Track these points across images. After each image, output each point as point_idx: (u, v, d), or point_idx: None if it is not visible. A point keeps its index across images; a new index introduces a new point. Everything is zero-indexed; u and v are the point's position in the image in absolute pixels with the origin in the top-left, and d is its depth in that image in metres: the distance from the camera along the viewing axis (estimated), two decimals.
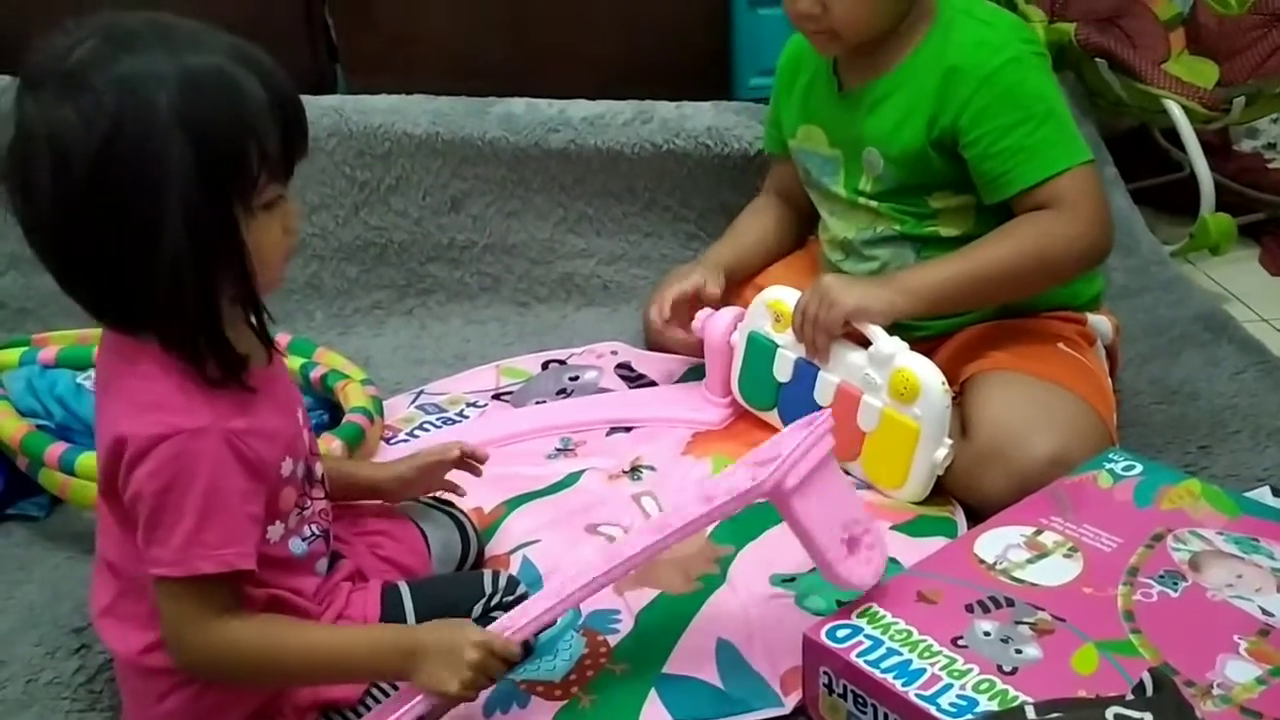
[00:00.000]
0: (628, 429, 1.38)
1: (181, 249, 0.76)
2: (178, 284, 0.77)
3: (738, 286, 1.45)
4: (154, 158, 0.75)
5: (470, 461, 1.09)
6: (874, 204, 1.31)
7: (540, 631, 0.95)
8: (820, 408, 1.23)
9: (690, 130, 1.73)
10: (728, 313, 1.35)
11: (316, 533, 0.93)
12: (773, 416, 1.32)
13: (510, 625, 0.90)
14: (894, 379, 1.17)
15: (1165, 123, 1.98)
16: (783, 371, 1.29)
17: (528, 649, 0.99)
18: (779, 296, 1.29)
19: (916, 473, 1.18)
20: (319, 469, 0.95)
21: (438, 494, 1.12)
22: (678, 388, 1.45)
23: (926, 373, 1.16)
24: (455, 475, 1.10)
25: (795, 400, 1.27)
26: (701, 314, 1.36)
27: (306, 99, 0.85)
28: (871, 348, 1.20)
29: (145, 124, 0.75)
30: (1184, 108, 1.85)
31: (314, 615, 0.91)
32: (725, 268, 1.42)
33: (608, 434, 1.38)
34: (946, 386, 1.16)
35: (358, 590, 0.96)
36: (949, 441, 1.16)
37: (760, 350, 1.31)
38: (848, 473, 1.21)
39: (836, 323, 1.20)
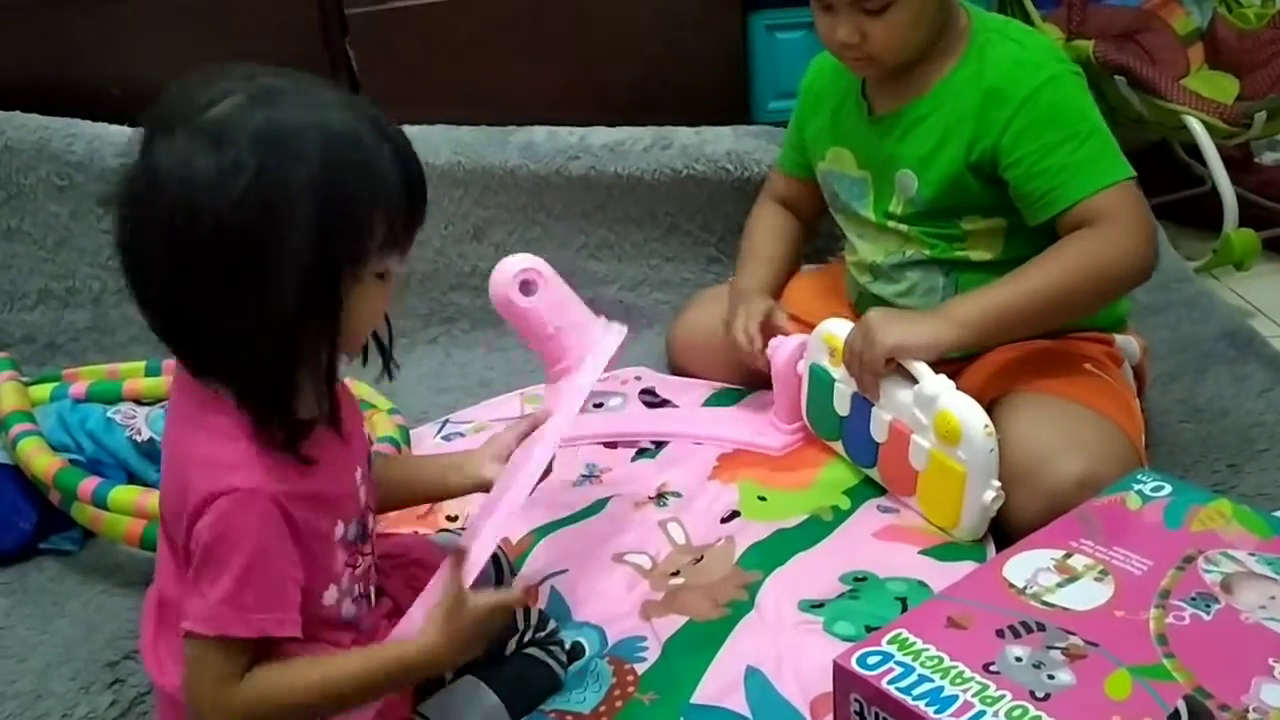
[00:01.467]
0: (653, 454, 1.38)
1: (286, 314, 0.76)
2: (272, 344, 0.77)
3: None
4: (280, 224, 0.75)
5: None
6: (904, 227, 1.31)
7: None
8: (878, 445, 1.23)
9: (710, 155, 1.73)
10: (794, 341, 1.34)
11: (361, 592, 0.92)
12: (839, 446, 1.31)
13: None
14: (937, 421, 1.15)
15: (1185, 138, 1.97)
16: (841, 405, 1.27)
17: (556, 680, 1.00)
18: (832, 330, 1.27)
19: (968, 514, 1.15)
20: (372, 522, 0.94)
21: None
22: (745, 410, 1.44)
23: (968, 416, 1.13)
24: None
25: (855, 434, 1.27)
26: (774, 341, 1.35)
27: None
28: (916, 387, 1.17)
29: (278, 192, 0.75)
30: (1204, 123, 1.84)
31: None
32: (769, 291, 1.42)
33: (633, 459, 1.38)
34: (990, 429, 1.13)
35: (394, 626, 0.95)
36: (996, 484, 1.14)
37: (821, 383, 1.30)
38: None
39: (878, 361, 1.18)
